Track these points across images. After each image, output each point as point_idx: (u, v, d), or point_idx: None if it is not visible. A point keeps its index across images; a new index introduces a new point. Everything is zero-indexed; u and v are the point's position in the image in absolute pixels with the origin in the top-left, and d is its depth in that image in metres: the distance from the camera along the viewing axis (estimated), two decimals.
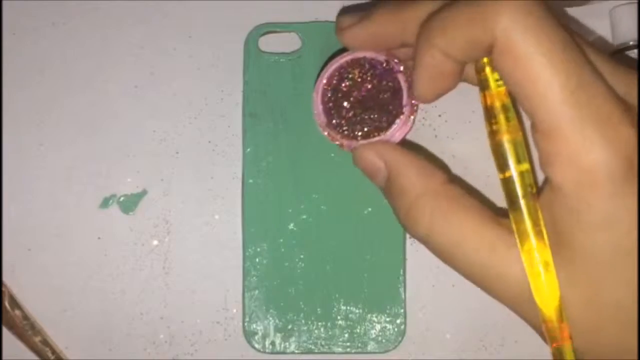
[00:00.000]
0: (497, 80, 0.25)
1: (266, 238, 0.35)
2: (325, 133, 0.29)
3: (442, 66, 0.25)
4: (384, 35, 0.28)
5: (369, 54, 0.29)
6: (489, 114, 0.25)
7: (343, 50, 0.36)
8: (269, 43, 0.36)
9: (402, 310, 0.35)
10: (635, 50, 0.34)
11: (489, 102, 0.25)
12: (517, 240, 0.25)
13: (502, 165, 0.25)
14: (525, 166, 0.25)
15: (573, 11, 0.36)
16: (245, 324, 0.35)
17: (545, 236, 0.24)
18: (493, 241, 0.25)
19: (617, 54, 0.34)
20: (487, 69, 0.25)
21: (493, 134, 0.25)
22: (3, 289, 0.35)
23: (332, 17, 0.36)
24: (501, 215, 0.26)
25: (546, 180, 0.24)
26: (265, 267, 0.35)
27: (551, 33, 0.22)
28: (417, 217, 0.26)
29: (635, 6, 0.34)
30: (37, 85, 0.36)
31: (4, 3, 0.36)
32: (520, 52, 0.22)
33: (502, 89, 0.25)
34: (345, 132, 0.29)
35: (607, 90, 0.22)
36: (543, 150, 0.23)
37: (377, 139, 0.29)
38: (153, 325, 0.36)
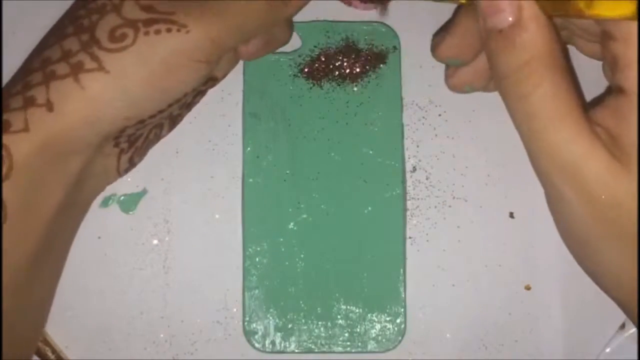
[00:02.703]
0: None
1: (266, 237, 0.35)
2: None
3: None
4: (467, 45, 0.30)
5: None
6: None
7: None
8: None
9: (402, 310, 0.35)
10: None
11: None
12: None
13: None
14: None
15: None
16: (245, 323, 0.35)
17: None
18: (584, 132, 0.25)
19: None
20: None
21: None
22: None
23: (332, 17, 0.36)
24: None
25: (615, 90, 0.25)
26: (265, 266, 0.35)
27: None
28: (528, 76, 0.25)
29: None
30: None
31: (4, 3, 0.36)
32: None
33: None
34: None
35: None
36: (621, 57, 0.25)
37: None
38: (153, 325, 0.36)
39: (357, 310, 0.35)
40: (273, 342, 0.35)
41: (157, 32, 0.28)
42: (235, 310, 0.36)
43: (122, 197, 0.36)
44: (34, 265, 0.30)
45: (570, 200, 0.26)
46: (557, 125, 0.25)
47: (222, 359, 0.36)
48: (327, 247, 0.35)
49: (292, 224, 0.36)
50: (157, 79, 0.28)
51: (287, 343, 0.35)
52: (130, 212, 0.36)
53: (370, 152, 0.36)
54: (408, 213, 0.36)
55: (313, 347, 0.35)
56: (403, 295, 0.35)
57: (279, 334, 0.35)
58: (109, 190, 0.36)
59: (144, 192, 0.36)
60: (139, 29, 0.28)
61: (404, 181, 0.36)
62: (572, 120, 0.25)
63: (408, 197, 0.36)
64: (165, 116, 0.32)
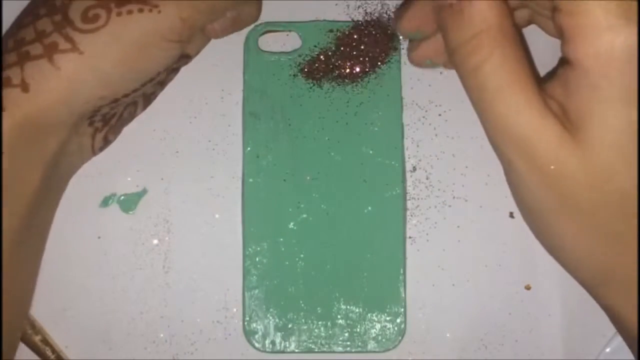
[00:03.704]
0: None
1: (266, 237, 0.35)
2: None
3: None
4: (427, 17, 0.30)
5: None
6: None
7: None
8: (269, 42, 0.36)
9: (402, 310, 0.35)
10: None
11: None
12: None
13: None
14: None
15: None
16: (246, 323, 0.35)
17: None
18: (533, 103, 0.25)
19: None
20: None
21: None
22: None
23: (332, 16, 0.36)
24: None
25: (565, 62, 0.25)
26: (265, 266, 0.35)
27: None
28: (477, 49, 0.26)
29: None
30: None
31: (4, 3, 0.36)
32: None
33: None
34: None
35: None
36: (566, 28, 0.25)
37: None
38: (153, 324, 0.36)
39: (357, 310, 0.35)
40: (273, 342, 0.35)
41: (130, 12, 0.28)
42: (235, 310, 0.36)
43: (122, 197, 0.36)
44: (17, 247, 0.30)
45: (521, 171, 0.26)
46: (506, 96, 0.25)
47: (222, 359, 0.36)
48: (327, 247, 0.35)
49: (292, 224, 0.36)
50: (130, 58, 0.29)
51: (287, 343, 0.35)
52: (130, 212, 0.36)
53: (370, 152, 0.36)
54: (408, 213, 0.36)
55: (313, 347, 0.35)
56: (403, 295, 0.35)
57: (279, 333, 0.35)
58: (109, 190, 0.36)
59: (144, 192, 0.36)
60: (112, 10, 0.28)
61: (404, 181, 0.36)
62: (521, 92, 0.25)
63: (408, 197, 0.36)
64: (139, 95, 0.32)
